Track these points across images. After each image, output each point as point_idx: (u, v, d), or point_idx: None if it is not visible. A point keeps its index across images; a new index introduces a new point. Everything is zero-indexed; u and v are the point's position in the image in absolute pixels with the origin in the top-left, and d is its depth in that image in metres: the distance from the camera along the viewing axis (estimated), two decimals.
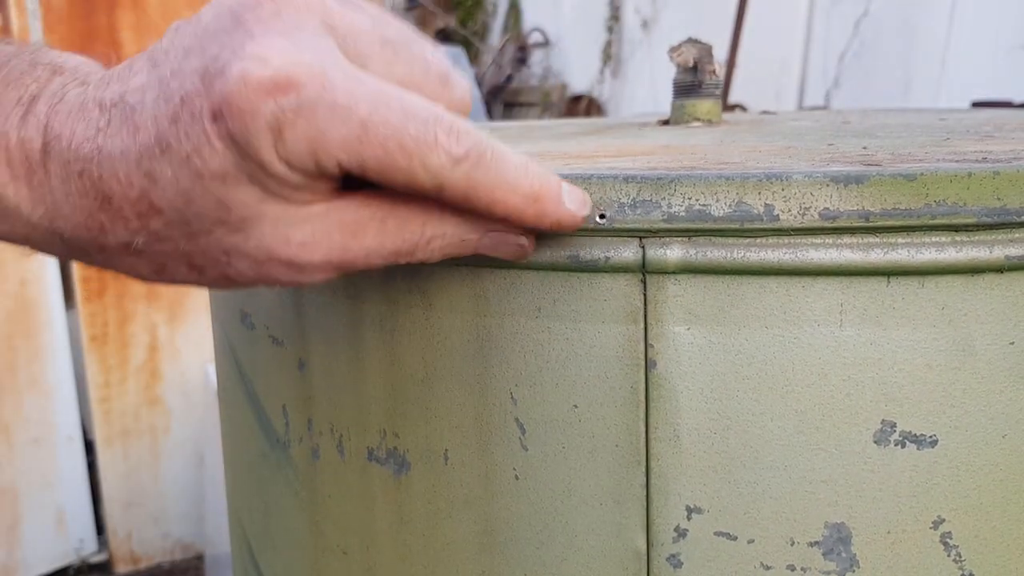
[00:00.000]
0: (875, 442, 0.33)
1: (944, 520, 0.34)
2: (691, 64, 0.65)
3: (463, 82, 0.32)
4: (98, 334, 2.08)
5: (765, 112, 0.90)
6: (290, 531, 0.47)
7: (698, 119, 0.66)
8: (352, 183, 0.30)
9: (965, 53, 2.37)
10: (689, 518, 0.35)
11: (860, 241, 0.32)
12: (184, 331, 2.16)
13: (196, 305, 2.15)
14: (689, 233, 0.33)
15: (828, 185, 0.32)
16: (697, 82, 0.65)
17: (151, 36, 1.92)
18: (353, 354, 0.41)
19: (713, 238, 0.33)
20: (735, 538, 0.35)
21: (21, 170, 0.31)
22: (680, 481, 0.35)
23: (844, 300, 0.33)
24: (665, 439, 0.35)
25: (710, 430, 0.34)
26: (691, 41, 0.65)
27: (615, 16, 3.99)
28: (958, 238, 0.32)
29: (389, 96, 0.28)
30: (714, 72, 0.65)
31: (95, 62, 0.34)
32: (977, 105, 1.58)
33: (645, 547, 0.36)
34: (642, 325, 0.34)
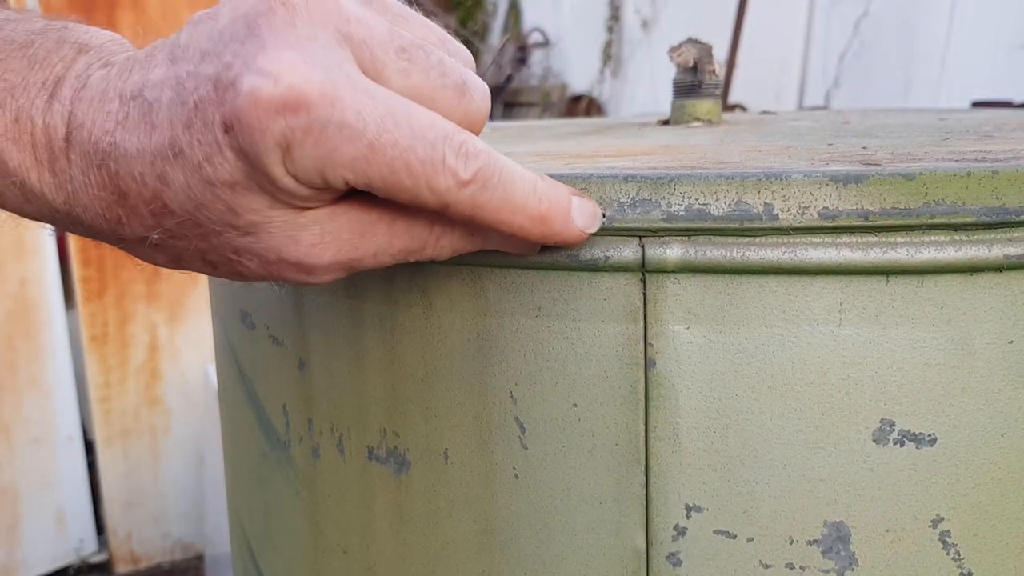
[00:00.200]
0: (874, 441, 0.33)
1: (943, 519, 0.34)
2: (691, 64, 0.65)
3: (480, 89, 0.32)
4: (98, 334, 2.08)
5: (765, 112, 0.90)
6: (290, 531, 0.47)
7: (698, 119, 0.66)
8: None
9: (965, 53, 2.37)
10: (688, 517, 0.35)
11: (859, 240, 0.32)
12: (184, 331, 2.16)
13: (196, 305, 2.15)
14: (689, 232, 0.33)
15: (827, 184, 0.32)
16: (697, 82, 0.65)
17: (151, 36, 1.92)
18: (353, 354, 0.41)
19: (713, 237, 0.33)
20: (734, 537, 0.35)
21: (45, 156, 0.31)
22: (679, 480, 0.35)
23: (843, 299, 0.33)
24: (664, 438, 0.35)
25: (709, 429, 0.34)
26: (691, 41, 0.65)
27: (615, 16, 3.98)
28: (957, 237, 0.32)
29: (399, 114, 0.28)
30: (714, 72, 0.65)
31: (123, 39, 0.34)
32: (977, 105, 1.58)
33: (644, 546, 0.36)
34: (642, 324, 0.34)
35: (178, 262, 0.33)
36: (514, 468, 0.37)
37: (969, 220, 0.32)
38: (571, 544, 0.37)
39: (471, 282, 0.37)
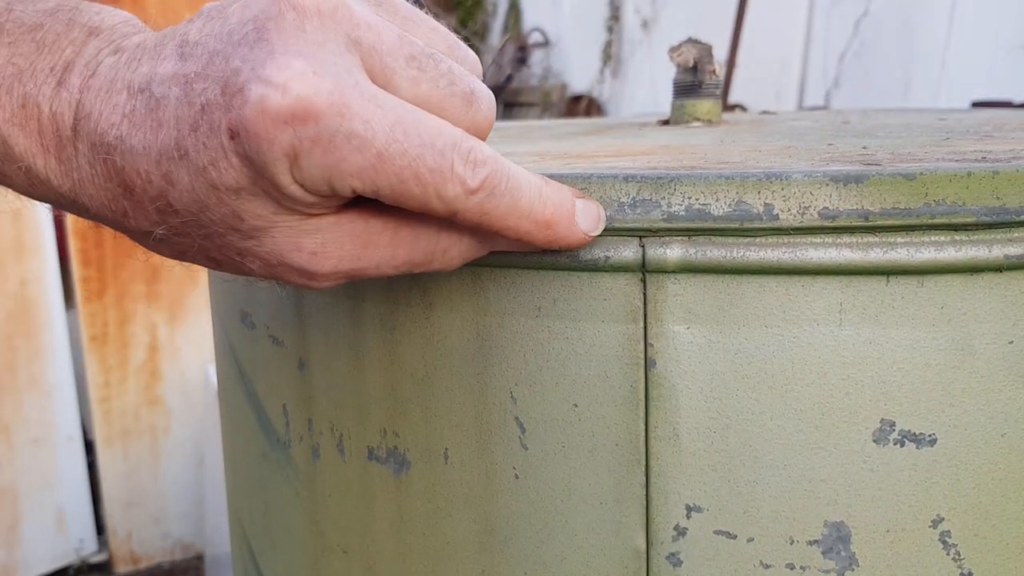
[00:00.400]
0: (874, 441, 0.33)
1: (943, 519, 0.34)
2: (691, 64, 0.65)
3: (487, 97, 0.32)
4: (98, 334, 2.08)
5: (765, 112, 0.90)
6: (290, 530, 0.47)
7: (698, 119, 0.66)
8: None
9: (965, 53, 2.37)
10: (689, 517, 0.35)
11: (859, 240, 0.32)
12: (184, 331, 2.16)
13: (196, 305, 2.15)
14: (689, 232, 0.33)
15: (828, 184, 0.32)
16: (697, 82, 0.65)
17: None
18: (353, 354, 0.41)
19: (713, 237, 0.33)
20: (734, 537, 0.35)
21: (52, 143, 0.31)
22: (680, 480, 0.35)
23: (843, 299, 0.33)
24: (665, 438, 0.35)
25: (710, 429, 0.34)
26: (691, 41, 0.65)
27: (615, 16, 3.99)
28: (957, 237, 0.32)
29: (407, 123, 0.28)
30: (714, 72, 0.65)
31: (136, 19, 0.33)
32: (977, 105, 1.58)
33: (645, 546, 0.36)
34: (642, 324, 0.34)
35: (182, 256, 0.33)
36: (514, 468, 0.37)
37: (969, 220, 0.32)
38: (571, 544, 0.37)
39: (471, 282, 0.37)
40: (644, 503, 0.35)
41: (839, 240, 0.32)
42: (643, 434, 0.35)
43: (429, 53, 0.30)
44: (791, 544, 0.34)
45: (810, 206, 0.32)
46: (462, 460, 0.38)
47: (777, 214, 0.32)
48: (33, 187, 0.32)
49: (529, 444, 0.37)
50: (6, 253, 1.97)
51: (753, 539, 0.35)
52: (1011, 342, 0.33)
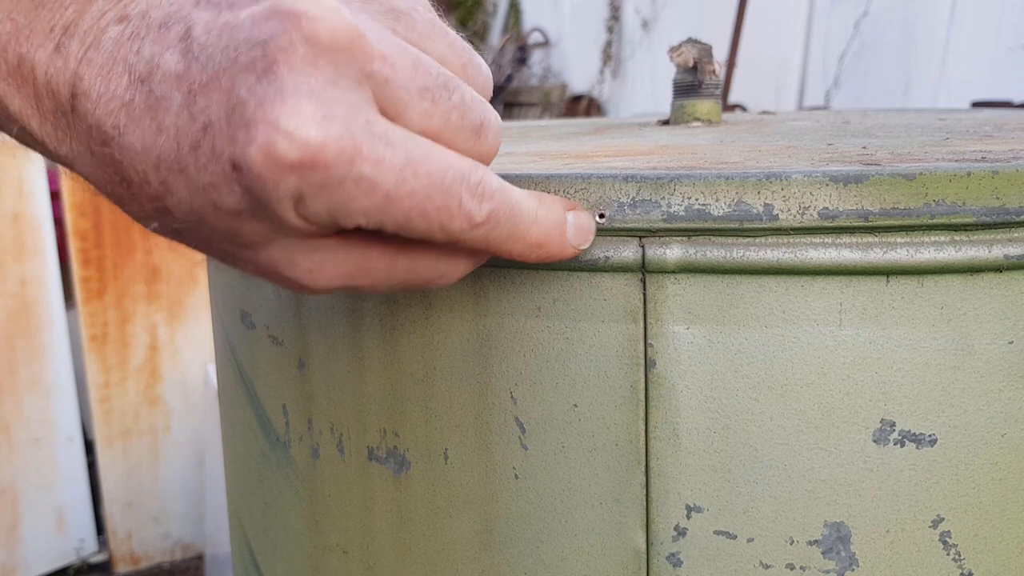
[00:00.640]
0: (874, 441, 0.33)
1: (943, 519, 0.34)
2: (691, 64, 0.65)
3: (495, 126, 0.31)
4: (98, 334, 2.08)
5: (765, 112, 0.90)
6: (290, 530, 0.47)
7: (698, 119, 0.66)
8: None
9: (965, 53, 2.37)
10: (689, 517, 0.35)
11: (859, 240, 0.32)
12: (184, 331, 2.16)
13: (196, 305, 2.15)
14: (689, 233, 0.33)
15: (827, 185, 0.32)
16: (697, 82, 0.65)
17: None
18: (353, 354, 0.41)
19: (712, 238, 0.33)
20: (734, 537, 0.35)
21: (49, 109, 0.30)
22: (680, 480, 0.35)
23: (843, 299, 0.33)
24: (665, 438, 0.35)
25: (709, 429, 0.34)
26: (691, 41, 0.65)
27: (615, 16, 3.99)
28: (957, 237, 0.32)
29: (417, 161, 0.27)
30: (714, 72, 0.65)
31: None
32: (977, 105, 1.58)
33: (645, 546, 0.36)
34: (642, 324, 0.34)
35: (179, 240, 0.32)
36: (514, 468, 0.37)
37: (969, 220, 0.32)
38: (571, 544, 0.37)
39: (471, 282, 0.37)
40: (644, 503, 0.35)
41: (839, 240, 0.32)
42: (643, 434, 0.35)
43: (443, 83, 0.29)
44: (791, 544, 0.34)
45: (810, 206, 0.32)
46: (462, 460, 0.38)
47: (777, 214, 0.32)
48: (30, 145, 0.31)
49: (529, 444, 0.37)
50: (6, 253, 1.97)
51: (753, 539, 0.35)
52: (1011, 342, 0.33)
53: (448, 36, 0.31)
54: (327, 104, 0.26)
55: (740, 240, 0.33)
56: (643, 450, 0.35)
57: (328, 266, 0.30)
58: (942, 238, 0.32)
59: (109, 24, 0.29)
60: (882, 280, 0.33)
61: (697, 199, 0.33)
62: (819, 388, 0.33)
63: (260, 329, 0.46)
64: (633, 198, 0.33)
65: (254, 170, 0.26)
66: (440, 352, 0.38)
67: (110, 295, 2.07)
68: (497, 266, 0.36)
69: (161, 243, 1.96)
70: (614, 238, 0.34)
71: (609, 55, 4.01)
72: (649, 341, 0.34)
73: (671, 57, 0.64)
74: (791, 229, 0.32)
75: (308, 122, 0.25)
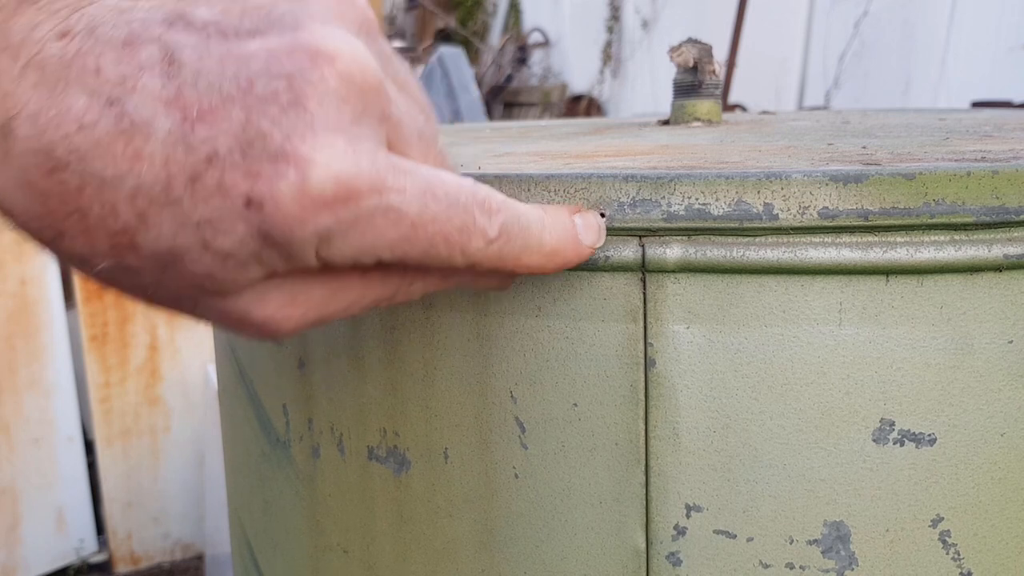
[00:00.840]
0: (874, 441, 0.33)
1: (943, 519, 0.34)
2: (691, 64, 0.65)
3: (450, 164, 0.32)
4: (98, 334, 2.08)
5: (765, 112, 0.90)
6: (290, 530, 0.47)
7: (698, 119, 0.66)
8: None
9: (965, 53, 2.37)
10: (688, 516, 0.35)
11: (859, 240, 0.32)
12: (184, 331, 2.16)
13: None
14: (689, 232, 0.33)
15: (827, 184, 0.32)
16: (697, 82, 0.65)
17: None
18: (353, 353, 0.41)
19: (712, 237, 0.33)
20: (734, 536, 0.35)
21: None
22: (679, 479, 0.35)
23: (843, 299, 0.33)
24: (664, 438, 0.35)
25: (709, 428, 0.34)
26: (691, 41, 0.65)
27: (615, 16, 3.99)
28: (957, 237, 0.32)
29: (435, 185, 0.27)
30: (714, 72, 0.65)
31: None
32: (977, 105, 1.58)
33: (644, 545, 0.36)
34: (642, 324, 0.34)
35: (110, 287, 0.28)
36: (514, 468, 0.37)
37: (969, 220, 0.32)
38: (571, 544, 0.37)
39: None
40: (644, 502, 0.35)
41: (839, 240, 0.32)
42: (643, 434, 0.35)
43: (430, 130, 0.30)
44: (791, 543, 0.34)
45: (810, 206, 0.32)
46: (462, 460, 0.38)
47: (777, 214, 0.32)
48: None
49: (529, 444, 0.37)
50: (6, 253, 1.97)
51: (753, 538, 0.35)
52: (1011, 342, 0.33)
53: (415, 82, 0.32)
54: (356, 139, 0.26)
55: (740, 240, 0.33)
56: (643, 449, 0.35)
57: (302, 297, 0.28)
58: (942, 238, 0.32)
59: (47, 39, 0.25)
60: (882, 280, 0.33)
61: (697, 199, 0.33)
62: (819, 387, 0.33)
63: None
64: (633, 198, 0.33)
65: (281, 208, 0.25)
66: (440, 352, 0.38)
67: (110, 295, 2.07)
68: None
69: None
70: (614, 237, 0.34)
71: (609, 55, 4.01)
72: (649, 340, 0.34)
73: (671, 57, 0.64)
74: (791, 229, 0.32)
75: (340, 155, 0.25)
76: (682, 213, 0.33)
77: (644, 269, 0.34)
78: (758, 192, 0.32)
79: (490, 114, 4.08)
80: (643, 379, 0.35)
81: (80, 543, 2.18)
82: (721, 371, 0.34)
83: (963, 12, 2.37)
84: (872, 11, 2.64)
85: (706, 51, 0.65)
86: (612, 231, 0.34)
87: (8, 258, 1.98)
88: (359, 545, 0.43)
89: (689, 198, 0.33)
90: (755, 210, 0.32)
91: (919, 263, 0.32)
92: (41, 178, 0.25)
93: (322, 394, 0.43)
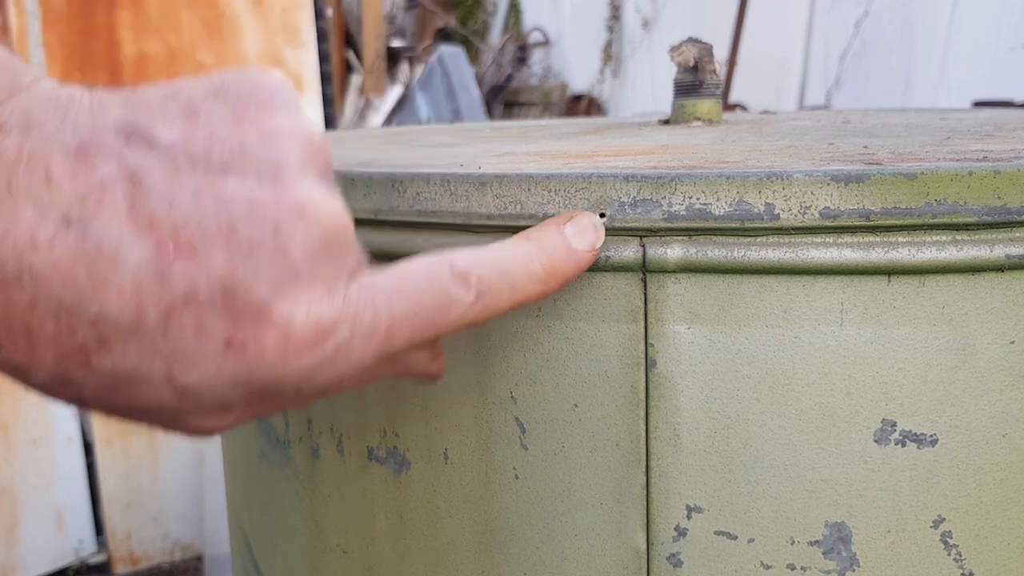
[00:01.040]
0: (875, 441, 0.33)
1: (944, 519, 0.34)
2: (691, 64, 0.64)
3: None
4: None
5: (765, 112, 0.90)
6: (290, 531, 0.47)
7: (698, 119, 0.66)
8: None
9: (965, 53, 2.37)
10: (689, 517, 0.35)
11: (861, 240, 0.32)
12: None
13: None
14: (690, 232, 0.33)
15: (829, 184, 0.32)
16: (697, 82, 0.65)
17: (149, 35, 1.92)
18: None
19: (714, 237, 0.33)
20: (735, 537, 0.35)
21: None
22: (680, 480, 0.35)
23: (844, 299, 0.33)
24: (665, 438, 0.35)
25: (710, 429, 0.34)
26: (691, 41, 0.65)
27: (615, 16, 3.99)
28: (959, 237, 0.32)
29: (401, 284, 0.28)
30: (714, 72, 0.64)
31: (11, 61, 0.25)
32: (978, 105, 1.58)
33: (645, 546, 0.36)
34: (642, 324, 0.34)
35: (45, 393, 0.26)
36: (514, 468, 0.37)
37: (971, 220, 0.32)
38: (571, 544, 0.37)
39: None
40: (644, 503, 0.35)
41: (840, 240, 0.32)
42: (643, 434, 0.35)
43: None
44: (792, 544, 0.34)
45: (811, 206, 0.32)
46: (462, 460, 0.38)
47: (778, 214, 0.32)
48: None
49: (529, 444, 0.37)
50: None
51: (754, 539, 0.35)
52: (1012, 342, 0.33)
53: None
54: (333, 285, 0.26)
55: (741, 240, 0.33)
56: (643, 450, 0.35)
57: (238, 416, 0.28)
58: (944, 238, 0.32)
59: None
60: (883, 280, 0.32)
61: (698, 199, 0.33)
62: (820, 388, 0.33)
63: None
64: (634, 197, 0.33)
65: (266, 356, 0.25)
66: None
67: None
68: None
69: None
70: (615, 237, 0.34)
71: (609, 55, 4.01)
72: (650, 341, 0.34)
73: (671, 56, 0.64)
74: (792, 229, 0.32)
75: (319, 301, 0.25)
76: (683, 213, 0.33)
77: (645, 269, 0.34)
78: (759, 192, 0.32)
79: (490, 113, 4.08)
80: (644, 379, 0.34)
81: (79, 543, 2.18)
82: (722, 371, 0.34)
83: (963, 12, 2.37)
84: (873, 11, 2.64)
85: (707, 50, 0.64)
86: (613, 231, 0.34)
87: None
88: (359, 546, 0.43)
89: (690, 198, 0.33)
90: (756, 210, 0.32)
91: (921, 263, 0.32)
92: None
93: None
